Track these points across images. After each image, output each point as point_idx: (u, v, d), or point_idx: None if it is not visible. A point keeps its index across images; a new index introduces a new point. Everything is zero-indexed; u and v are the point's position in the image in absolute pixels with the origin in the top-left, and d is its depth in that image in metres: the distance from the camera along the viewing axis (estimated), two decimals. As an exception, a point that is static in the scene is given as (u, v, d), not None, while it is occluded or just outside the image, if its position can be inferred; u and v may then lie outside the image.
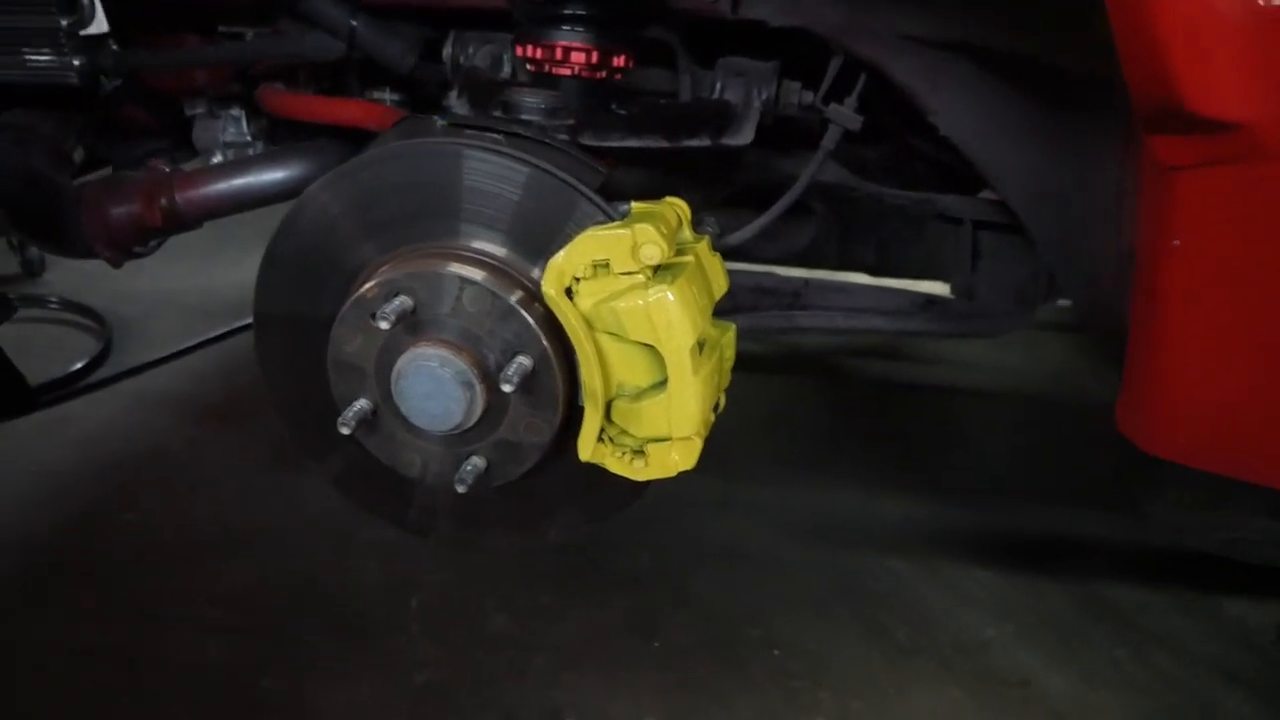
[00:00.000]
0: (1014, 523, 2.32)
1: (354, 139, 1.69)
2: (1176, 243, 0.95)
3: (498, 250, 1.22)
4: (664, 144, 1.45)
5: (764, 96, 1.58)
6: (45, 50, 1.56)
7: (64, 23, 1.55)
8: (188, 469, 2.37)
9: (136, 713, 1.68)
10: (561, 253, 1.15)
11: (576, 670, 1.80)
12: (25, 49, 1.56)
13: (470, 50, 1.64)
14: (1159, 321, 1.04)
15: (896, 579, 2.09)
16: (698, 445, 1.21)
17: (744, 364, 2.92)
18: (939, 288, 1.90)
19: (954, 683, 1.81)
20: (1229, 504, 1.14)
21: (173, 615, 1.88)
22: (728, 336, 1.28)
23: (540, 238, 1.20)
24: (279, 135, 1.89)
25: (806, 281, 1.79)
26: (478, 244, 1.22)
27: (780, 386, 2.99)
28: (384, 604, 1.94)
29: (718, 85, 1.59)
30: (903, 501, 2.36)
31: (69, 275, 3.43)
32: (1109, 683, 1.82)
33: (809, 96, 1.58)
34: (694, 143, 1.48)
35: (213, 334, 2.93)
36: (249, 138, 1.88)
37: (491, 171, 1.20)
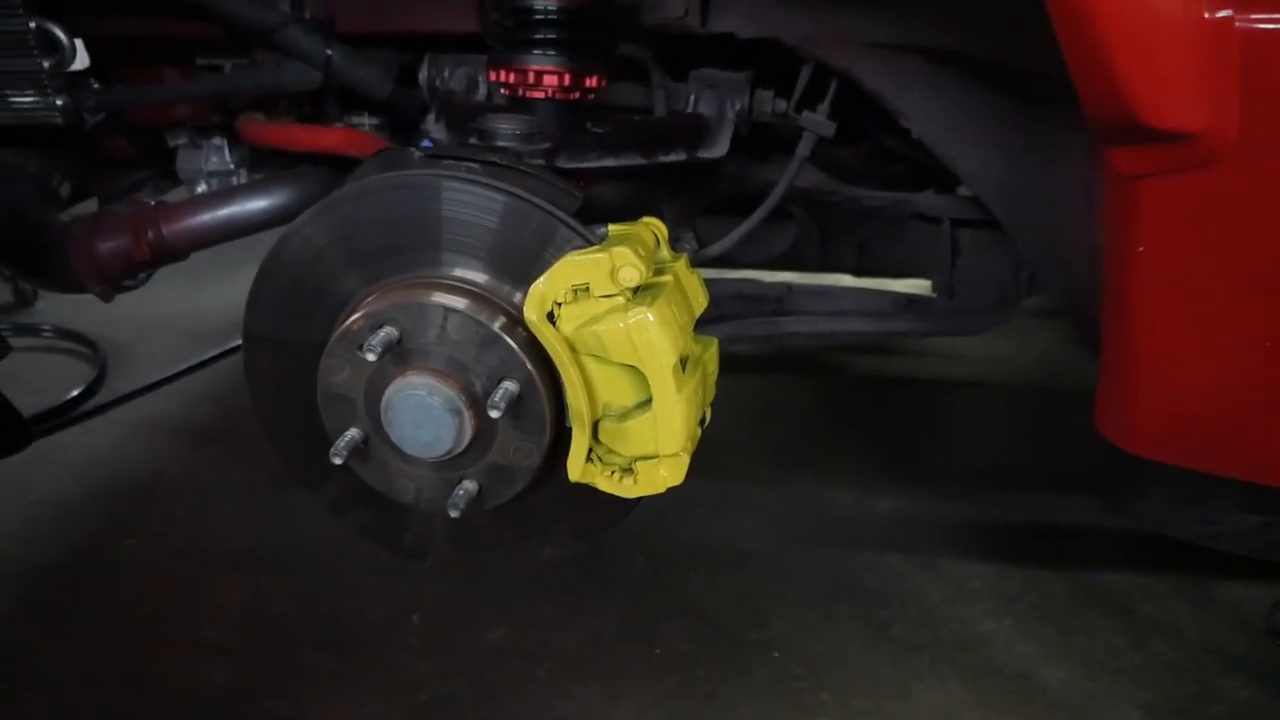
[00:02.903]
0: (1009, 513, 2.33)
1: (336, 164, 1.70)
2: (1141, 249, 0.97)
3: (479, 278, 1.23)
4: (640, 161, 1.47)
5: (738, 107, 1.59)
6: (29, 91, 1.57)
7: (46, 64, 1.56)
8: (186, 493, 2.38)
9: (144, 735, 1.70)
10: (542, 278, 1.17)
11: (580, 680, 1.81)
12: (8, 90, 1.56)
13: (446, 73, 1.65)
14: (1128, 324, 1.05)
15: (895, 574, 2.10)
16: (685, 461, 1.22)
17: (735, 364, 2.96)
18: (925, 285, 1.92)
19: (954, 678, 1.82)
20: (1207, 497, 1.16)
21: (176, 638, 1.90)
22: (710, 351, 1.30)
23: (520, 264, 1.21)
24: (261, 162, 1.91)
25: (789, 287, 1.80)
26: (459, 272, 1.24)
27: (772, 385, 3.01)
28: (385, 621, 1.95)
29: (692, 98, 1.61)
30: (899, 496, 2.38)
31: (61, 302, 3.41)
32: (1109, 672, 1.83)
33: (782, 105, 1.60)
34: (670, 158, 1.49)
35: (205, 357, 2.95)
36: (231, 166, 1.89)
37: (469, 201, 1.21)
